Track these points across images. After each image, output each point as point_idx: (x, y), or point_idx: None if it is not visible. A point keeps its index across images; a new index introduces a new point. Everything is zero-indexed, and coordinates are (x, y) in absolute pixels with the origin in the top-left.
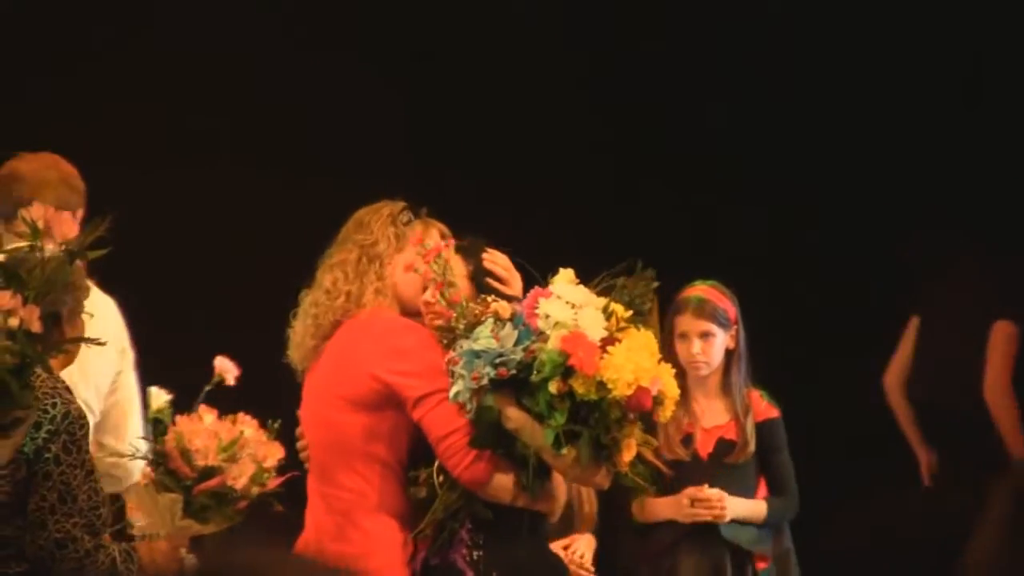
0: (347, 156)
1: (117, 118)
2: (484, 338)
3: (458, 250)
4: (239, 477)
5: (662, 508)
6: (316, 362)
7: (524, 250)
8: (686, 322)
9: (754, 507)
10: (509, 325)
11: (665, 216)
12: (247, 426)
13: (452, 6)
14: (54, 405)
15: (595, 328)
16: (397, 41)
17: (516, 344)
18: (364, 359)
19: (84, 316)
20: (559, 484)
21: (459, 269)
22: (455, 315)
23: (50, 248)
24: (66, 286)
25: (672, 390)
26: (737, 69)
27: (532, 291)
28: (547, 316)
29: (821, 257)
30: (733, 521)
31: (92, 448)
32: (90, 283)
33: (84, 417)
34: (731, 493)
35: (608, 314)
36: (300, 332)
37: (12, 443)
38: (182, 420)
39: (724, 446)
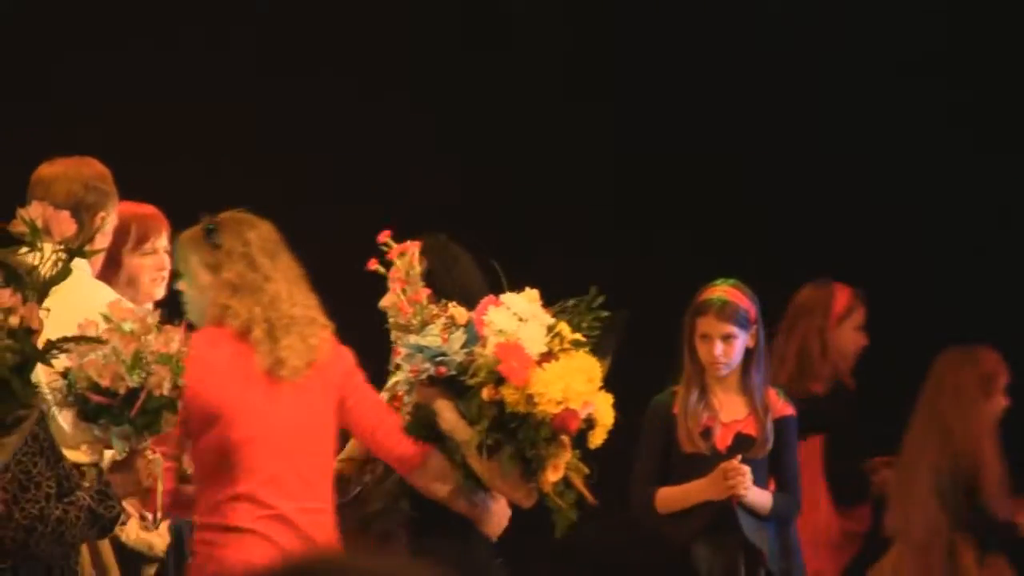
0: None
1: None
2: (432, 335)
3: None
4: (160, 385)
5: (700, 490)
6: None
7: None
8: (708, 324)
9: (764, 497)
10: (461, 330)
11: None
12: (131, 320)
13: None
14: None
15: (535, 342)
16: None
17: (461, 347)
18: (334, 372)
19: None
20: (501, 504)
21: (417, 268)
22: (413, 312)
23: (49, 247)
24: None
25: (606, 419)
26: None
27: (486, 299)
28: (492, 323)
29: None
30: (751, 518)
31: None
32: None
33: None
34: None
35: (554, 334)
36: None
37: (13, 442)
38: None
39: (742, 440)
